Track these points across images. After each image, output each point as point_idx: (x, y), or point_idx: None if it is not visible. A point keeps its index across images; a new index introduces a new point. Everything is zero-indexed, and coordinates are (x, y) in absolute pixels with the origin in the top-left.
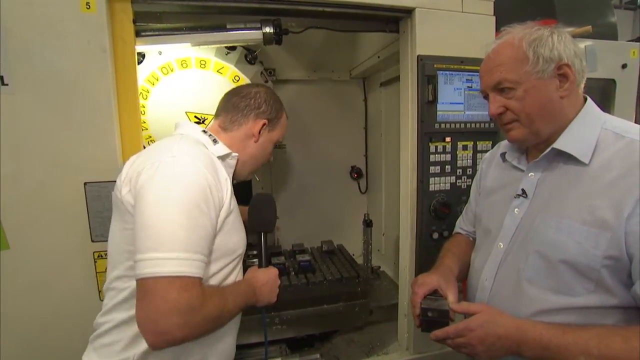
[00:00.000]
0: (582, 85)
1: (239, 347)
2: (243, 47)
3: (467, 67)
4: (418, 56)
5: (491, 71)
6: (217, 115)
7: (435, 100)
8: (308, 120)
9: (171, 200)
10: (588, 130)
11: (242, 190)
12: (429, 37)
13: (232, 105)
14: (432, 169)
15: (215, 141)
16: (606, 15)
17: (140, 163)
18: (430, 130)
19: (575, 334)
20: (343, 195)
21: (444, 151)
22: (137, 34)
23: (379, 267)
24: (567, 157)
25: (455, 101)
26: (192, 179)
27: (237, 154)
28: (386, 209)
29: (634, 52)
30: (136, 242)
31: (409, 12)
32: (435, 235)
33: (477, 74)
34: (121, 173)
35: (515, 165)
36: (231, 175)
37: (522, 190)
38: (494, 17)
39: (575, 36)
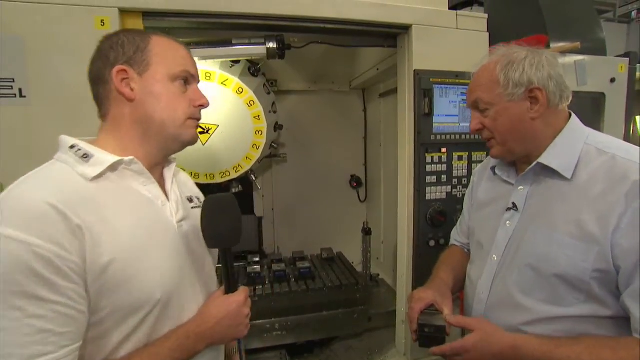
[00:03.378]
0: (564, 104)
1: None
2: (247, 60)
3: (461, 81)
4: (415, 71)
5: (471, 90)
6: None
7: (431, 113)
8: (309, 130)
9: None
10: (571, 146)
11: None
12: (425, 53)
13: (90, 81)
14: (428, 178)
15: (86, 157)
16: (595, 31)
17: None
18: (426, 141)
19: (567, 348)
20: (342, 203)
21: (440, 161)
22: None
23: (378, 274)
24: (552, 172)
25: (451, 113)
26: (3, 260)
27: (131, 158)
28: (385, 217)
29: (621, 67)
30: None
31: (406, 28)
32: (432, 243)
33: None
34: None
35: (505, 179)
36: (150, 181)
37: (513, 203)
38: (487, 34)
39: (564, 52)
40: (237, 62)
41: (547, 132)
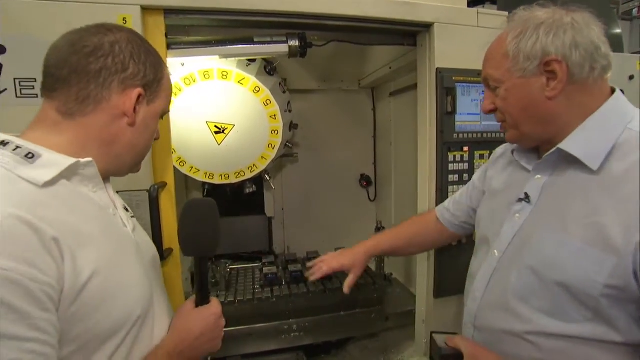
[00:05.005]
0: (601, 77)
1: (255, 355)
2: (263, 58)
3: None
4: (437, 69)
5: (484, 65)
6: (49, 90)
7: (454, 112)
8: (318, 129)
9: None
10: (604, 130)
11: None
12: (447, 51)
13: (72, 70)
14: (450, 177)
15: (31, 156)
16: (612, 27)
17: None
18: (449, 140)
19: None
20: (352, 203)
21: (462, 160)
22: (168, 46)
23: (391, 273)
24: (576, 161)
25: (472, 112)
26: None
27: (89, 159)
28: (396, 216)
29: (639, 64)
30: None
31: (427, 26)
32: (454, 242)
33: None
34: None
35: (523, 165)
36: (100, 187)
37: (526, 194)
38: None
39: None
40: (253, 60)
41: (574, 113)
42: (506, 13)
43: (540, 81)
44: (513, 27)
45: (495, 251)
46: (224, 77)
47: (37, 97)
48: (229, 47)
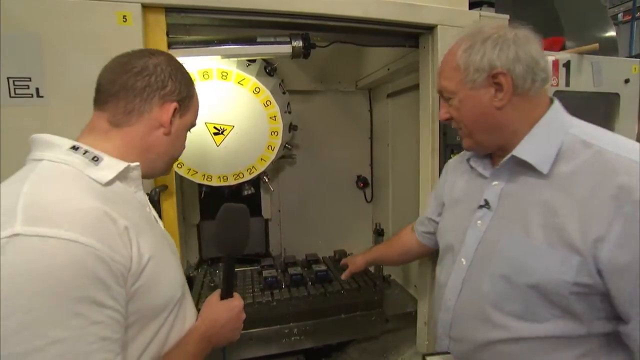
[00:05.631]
0: (540, 88)
1: (257, 359)
2: (262, 59)
3: None
4: None
5: (438, 77)
6: (101, 103)
7: None
8: (314, 130)
9: (25, 314)
10: (549, 136)
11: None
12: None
13: (122, 87)
14: None
15: (96, 159)
16: (607, 31)
17: None
18: (452, 142)
19: None
20: (349, 204)
21: None
22: (169, 45)
23: (389, 275)
24: (528, 166)
25: None
26: (63, 264)
27: (137, 163)
28: (393, 217)
29: (635, 68)
30: None
31: (430, 29)
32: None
33: None
34: None
35: (480, 173)
36: (140, 187)
37: (485, 200)
38: None
39: (583, 53)
40: (253, 61)
41: (521, 122)
42: (507, 16)
43: (489, 92)
44: (463, 41)
45: (463, 259)
46: (224, 77)
47: (32, 97)
48: (231, 47)
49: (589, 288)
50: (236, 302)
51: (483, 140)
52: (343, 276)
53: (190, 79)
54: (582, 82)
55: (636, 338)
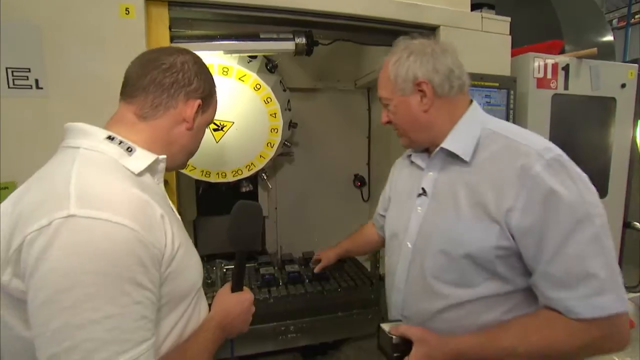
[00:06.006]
0: (459, 92)
1: (252, 357)
2: (264, 55)
3: (486, 84)
4: None
5: (377, 87)
6: (129, 96)
7: None
8: (312, 128)
9: (83, 288)
10: (469, 130)
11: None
12: None
13: (151, 81)
14: None
15: (130, 150)
16: (605, 35)
17: (22, 218)
18: None
19: (502, 340)
20: (346, 203)
21: None
22: (172, 40)
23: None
24: (455, 156)
25: None
26: (113, 245)
27: (164, 156)
28: None
29: (631, 73)
30: (38, 353)
31: (433, 29)
32: None
33: (495, 89)
34: None
35: (418, 166)
36: (161, 180)
37: (422, 189)
38: (510, 37)
39: (581, 57)
40: (255, 57)
41: (446, 120)
42: (508, 19)
43: (416, 98)
44: (393, 55)
45: (408, 243)
46: (225, 73)
47: (31, 88)
48: (234, 42)
49: (508, 250)
50: (247, 295)
51: (416, 138)
52: (316, 269)
53: (213, 78)
54: (580, 85)
55: (539, 286)
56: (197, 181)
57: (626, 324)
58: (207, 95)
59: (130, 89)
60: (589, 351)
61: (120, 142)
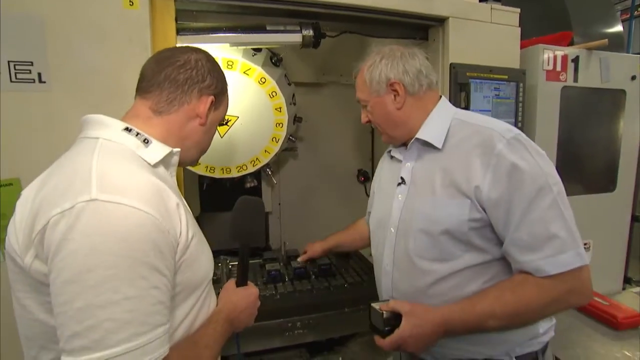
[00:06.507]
0: (429, 89)
1: (259, 353)
2: (268, 49)
3: (495, 76)
4: (451, 64)
5: (356, 90)
6: (145, 91)
7: (467, 108)
8: (315, 123)
9: (105, 270)
10: (440, 121)
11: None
12: (461, 46)
13: (166, 78)
14: None
15: (146, 142)
16: (614, 26)
17: (45, 202)
18: None
19: (481, 305)
20: (349, 198)
21: None
22: (177, 32)
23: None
24: (429, 145)
25: (485, 108)
26: (133, 229)
27: (179, 150)
28: None
29: None
30: (59, 331)
31: (442, 21)
32: None
33: (504, 82)
34: (15, 215)
35: (397, 158)
36: (174, 173)
37: (402, 178)
38: (519, 29)
39: (591, 49)
40: (259, 50)
41: (418, 115)
42: (518, 10)
43: (390, 98)
44: (368, 60)
45: (392, 228)
46: (230, 66)
47: (34, 82)
48: (240, 34)
49: (480, 222)
50: (252, 289)
51: (394, 134)
52: (300, 259)
53: (224, 76)
54: (590, 78)
55: (510, 252)
56: (201, 177)
57: (588, 277)
58: (219, 92)
59: (145, 84)
60: (559, 305)
61: (138, 134)
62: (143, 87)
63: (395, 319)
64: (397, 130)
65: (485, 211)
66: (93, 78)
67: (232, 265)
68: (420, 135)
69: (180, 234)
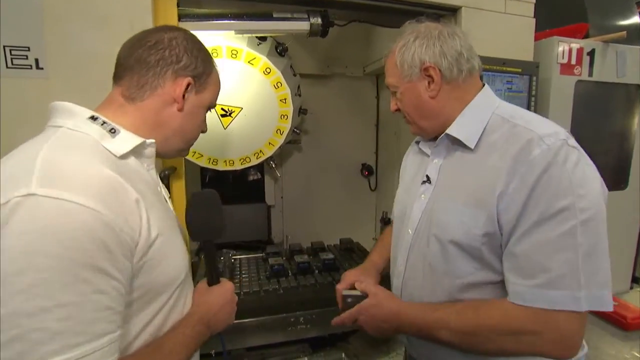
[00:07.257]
0: (469, 76)
1: (261, 348)
2: (273, 38)
3: (508, 69)
4: None
5: (385, 74)
6: (118, 77)
7: None
8: (319, 116)
9: (37, 273)
10: (477, 116)
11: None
12: (473, 37)
13: (136, 60)
14: None
15: (113, 131)
16: (630, 17)
17: None
18: None
19: (441, 311)
20: (353, 192)
21: None
22: (179, 18)
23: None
24: (461, 143)
25: None
26: (73, 227)
27: (152, 141)
28: None
29: None
30: None
31: (454, 10)
32: None
33: (518, 75)
34: None
35: (425, 152)
36: (152, 166)
37: (427, 176)
38: (534, 20)
39: (608, 41)
40: (264, 39)
41: (455, 106)
42: (533, 1)
43: (423, 84)
44: (400, 41)
45: (409, 229)
46: (234, 56)
47: (31, 68)
48: (245, 21)
49: (492, 237)
50: (227, 285)
51: (424, 125)
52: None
53: (210, 55)
54: (605, 72)
55: (504, 267)
56: (203, 169)
57: (576, 328)
58: (200, 73)
59: (117, 69)
60: (520, 346)
61: (104, 123)
62: (117, 73)
63: (361, 297)
64: (429, 121)
65: (499, 222)
66: (92, 65)
67: (234, 259)
68: (451, 131)
69: (140, 232)
